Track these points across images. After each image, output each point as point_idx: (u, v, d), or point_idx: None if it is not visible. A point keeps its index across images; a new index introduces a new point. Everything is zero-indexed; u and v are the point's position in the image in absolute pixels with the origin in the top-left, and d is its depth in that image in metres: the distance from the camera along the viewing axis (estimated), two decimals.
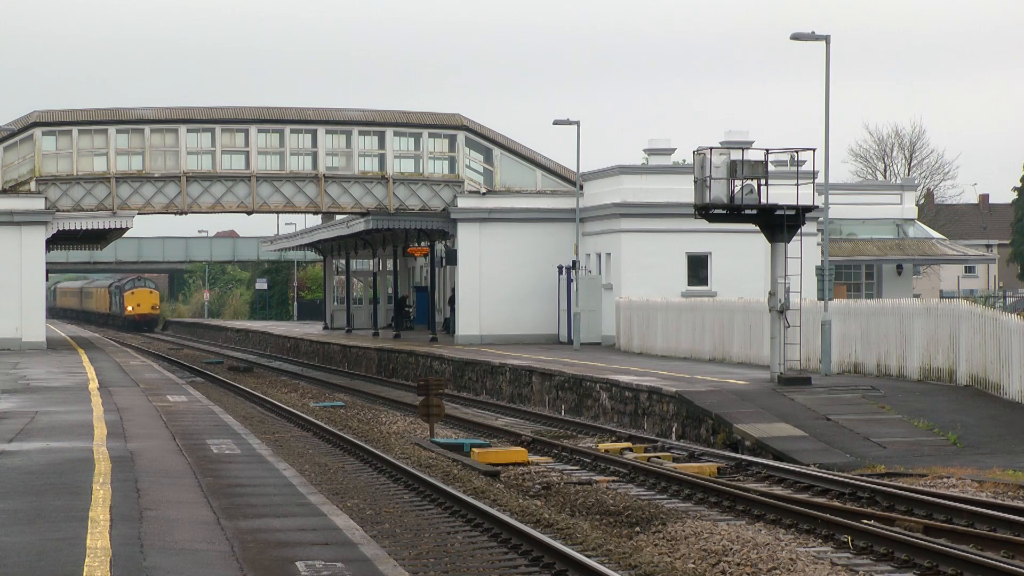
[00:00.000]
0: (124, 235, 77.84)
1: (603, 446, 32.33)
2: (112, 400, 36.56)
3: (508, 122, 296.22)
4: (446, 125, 64.15)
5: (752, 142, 59.19)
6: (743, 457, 29.42)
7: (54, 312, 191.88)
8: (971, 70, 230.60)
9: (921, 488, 24.31)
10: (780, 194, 37.85)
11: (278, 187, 63.31)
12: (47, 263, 65.40)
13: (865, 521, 21.27)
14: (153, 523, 17.18)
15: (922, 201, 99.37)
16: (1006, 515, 21.09)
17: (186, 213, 63.05)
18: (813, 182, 42.26)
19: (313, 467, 27.87)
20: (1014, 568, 17.56)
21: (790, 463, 28.41)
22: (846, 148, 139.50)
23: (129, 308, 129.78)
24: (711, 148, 36.63)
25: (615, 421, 39.57)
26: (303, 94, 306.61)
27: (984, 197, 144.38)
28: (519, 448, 31.69)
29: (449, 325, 71.10)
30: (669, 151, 65.85)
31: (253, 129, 63.11)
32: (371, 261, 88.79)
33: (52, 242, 65.37)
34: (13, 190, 62.30)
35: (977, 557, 18.28)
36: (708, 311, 49.52)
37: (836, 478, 25.57)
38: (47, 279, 69.20)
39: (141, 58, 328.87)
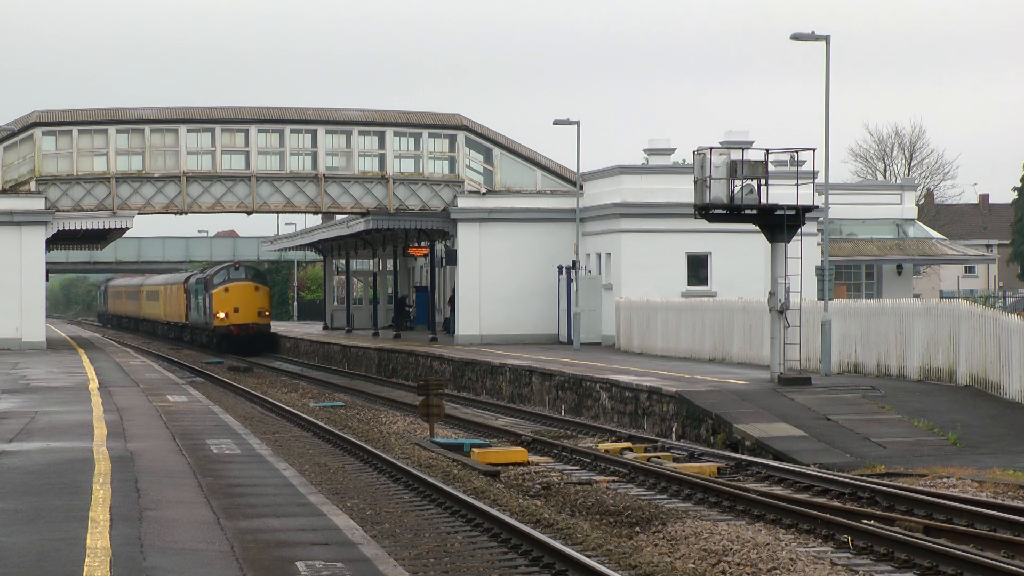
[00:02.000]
0: (124, 235, 77.85)
1: (603, 446, 32.32)
2: (112, 400, 36.56)
3: (508, 122, 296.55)
4: (446, 125, 64.16)
5: (752, 142, 59.20)
6: (743, 457, 29.41)
7: (105, 319, 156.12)
8: (971, 70, 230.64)
9: (921, 488, 24.30)
10: (780, 194, 37.84)
11: (278, 187, 63.31)
12: (47, 263, 65.41)
13: (865, 521, 21.26)
14: (153, 523, 17.17)
15: (922, 201, 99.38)
16: (1006, 515, 21.07)
17: (186, 213, 63.07)
18: (813, 182, 42.25)
19: (313, 467, 27.87)
20: (1014, 568, 17.55)
21: (790, 463, 28.40)
22: (846, 148, 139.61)
23: (220, 315, 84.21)
24: (711, 148, 36.62)
25: (615, 421, 39.56)
26: (303, 94, 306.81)
27: (984, 197, 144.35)
28: (519, 448, 31.68)
29: (449, 325, 71.08)
30: (669, 151, 65.85)
31: (253, 129, 63.11)
32: (371, 261, 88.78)
33: (52, 242, 65.38)
34: (13, 190, 62.31)
35: (977, 557, 18.27)
36: (708, 311, 49.51)
37: (836, 478, 25.55)
38: (47, 279, 69.23)
39: (141, 58, 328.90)
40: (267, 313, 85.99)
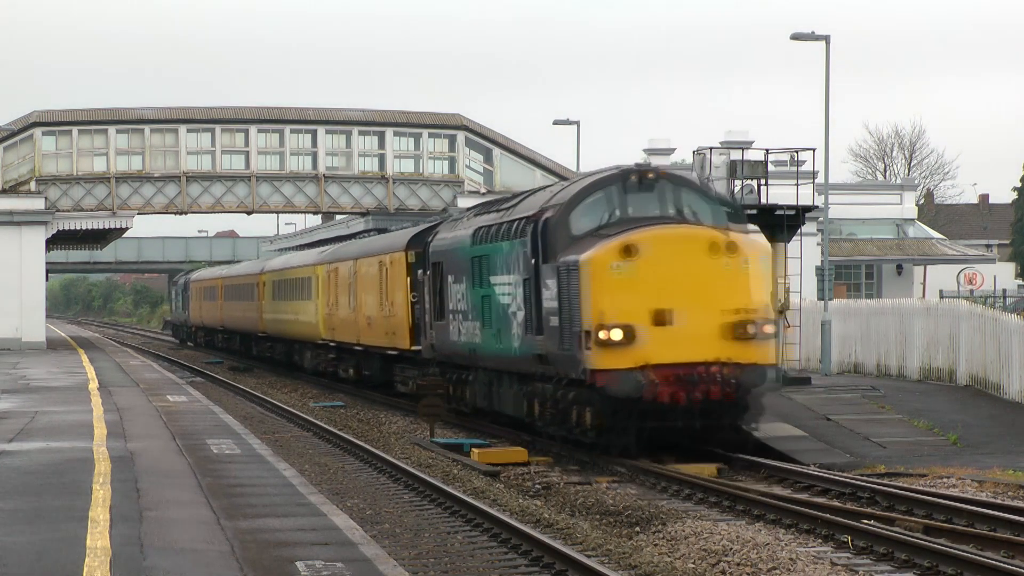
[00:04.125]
0: (124, 235, 77.88)
1: None
2: (112, 400, 36.55)
3: (508, 122, 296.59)
4: (446, 125, 64.17)
5: (752, 142, 59.23)
6: (743, 457, 29.35)
7: (183, 332, 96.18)
8: (971, 70, 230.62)
9: (921, 488, 24.28)
10: (780, 194, 37.83)
11: (278, 187, 63.32)
12: (47, 263, 65.42)
13: (865, 521, 21.25)
14: (153, 523, 17.17)
15: (922, 201, 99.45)
16: (1006, 515, 21.06)
17: (186, 213, 63.09)
18: (813, 182, 42.26)
19: (313, 467, 27.87)
20: (1014, 568, 17.54)
21: (790, 463, 28.37)
22: (846, 148, 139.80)
23: (605, 336, 25.73)
24: (711, 148, 36.62)
25: None
26: (303, 94, 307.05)
27: (984, 197, 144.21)
28: (519, 448, 31.65)
29: None
30: (669, 151, 65.87)
31: (253, 129, 63.13)
32: None
33: (52, 242, 65.41)
34: (13, 190, 62.32)
35: (977, 557, 18.25)
36: None
37: (836, 478, 25.54)
38: (47, 279, 69.29)
39: (141, 58, 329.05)
40: (769, 321, 27.46)
